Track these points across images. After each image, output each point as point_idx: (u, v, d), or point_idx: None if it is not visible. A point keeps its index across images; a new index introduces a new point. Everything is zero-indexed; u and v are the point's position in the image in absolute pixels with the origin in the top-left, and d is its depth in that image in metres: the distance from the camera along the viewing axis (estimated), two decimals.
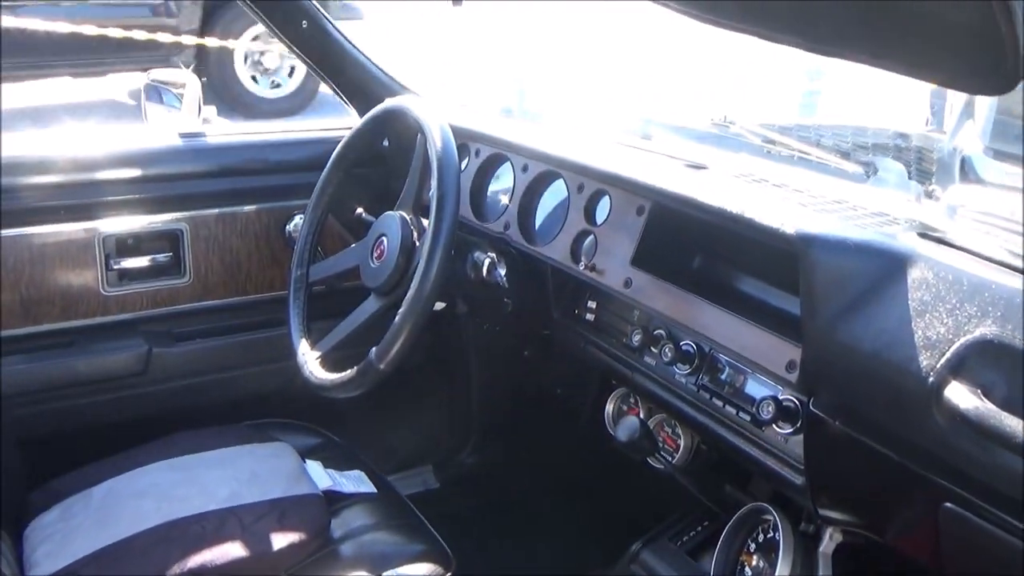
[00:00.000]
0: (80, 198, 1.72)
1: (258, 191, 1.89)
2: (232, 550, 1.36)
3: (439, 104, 1.87)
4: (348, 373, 1.42)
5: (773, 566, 1.30)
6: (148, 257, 1.80)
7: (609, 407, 1.68)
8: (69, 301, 1.74)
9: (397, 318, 1.36)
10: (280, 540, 1.39)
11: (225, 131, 1.92)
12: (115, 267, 1.77)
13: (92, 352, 1.77)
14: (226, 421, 1.68)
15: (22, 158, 1.70)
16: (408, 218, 1.49)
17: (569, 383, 1.88)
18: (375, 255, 1.52)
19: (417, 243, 1.46)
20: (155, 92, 1.86)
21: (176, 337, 1.86)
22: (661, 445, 1.55)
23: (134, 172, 1.77)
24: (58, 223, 1.71)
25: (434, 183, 1.39)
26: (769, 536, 1.36)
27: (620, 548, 1.62)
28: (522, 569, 1.87)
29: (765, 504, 1.36)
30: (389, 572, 1.39)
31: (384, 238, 1.51)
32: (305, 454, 1.61)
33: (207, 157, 1.86)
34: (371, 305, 1.52)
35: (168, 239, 1.82)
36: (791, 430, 1.20)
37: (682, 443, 1.55)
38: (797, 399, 1.19)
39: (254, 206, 1.88)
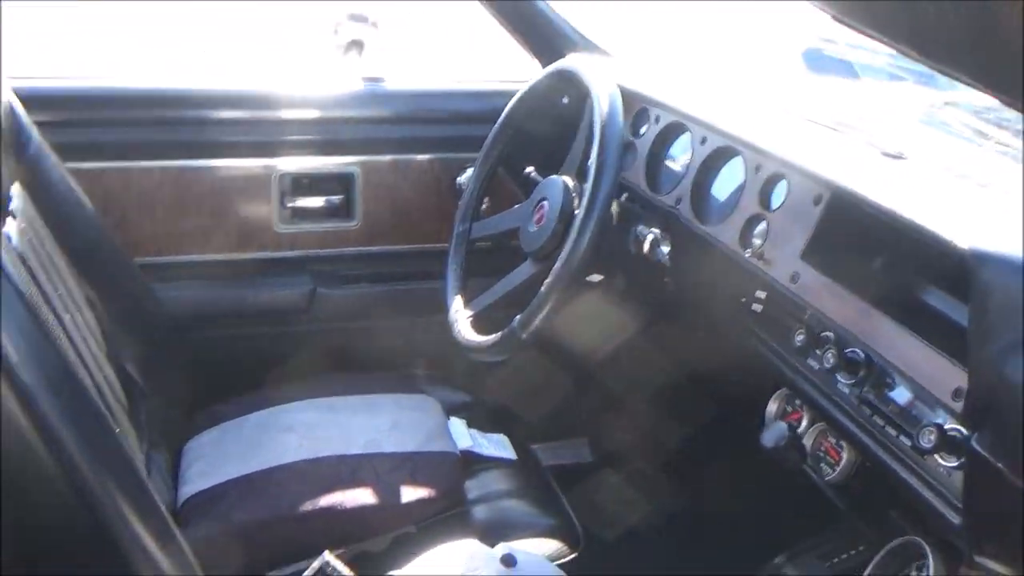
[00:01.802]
0: (261, 135, 1.91)
1: (433, 140, 2.02)
2: (362, 496, 1.50)
3: (617, 66, 1.89)
4: (491, 338, 1.51)
5: None
6: (321, 198, 1.98)
7: (772, 406, 1.67)
8: (244, 234, 1.95)
9: (543, 288, 1.43)
10: (410, 494, 1.51)
11: (405, 78, 2.05)
12: (289, 205, 1.96)
13: (262, 286, 1.98)
14: (377, 368, 1.84)
15: (212, 91, 1.91)
16: (571, 184, 1.55)
17: (725, 375, 1.89)
18: (535, 219, 1.58)
19: (577, 211, 1.51)
20: (341, 32, 2.01)
21: (341, 279, 2.03)
22: (823, 456, 1.53)
23: (315, 113, 1.94)
24: (239, 158, 1.91)
25: (594, 152, 1.44)
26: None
27: (761, 559, 1.63)
28: (648, 564, 1.91)
29: (920, 539, 1.33)
30: (513, 541, 1.45)
31: (545, 202, 1.57)
32: (450, 411, 1.72)
33: (386, 103, 2.00)
34: (527, 269, 1.59)
35: (341, 182, 1.99)
36: (955, 464, 1.15)
37: (845, 457, 1.52)
38: (962, 431, 1.15)
39: (427, 155, 2.01)
